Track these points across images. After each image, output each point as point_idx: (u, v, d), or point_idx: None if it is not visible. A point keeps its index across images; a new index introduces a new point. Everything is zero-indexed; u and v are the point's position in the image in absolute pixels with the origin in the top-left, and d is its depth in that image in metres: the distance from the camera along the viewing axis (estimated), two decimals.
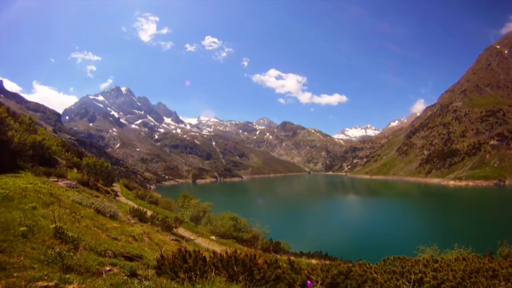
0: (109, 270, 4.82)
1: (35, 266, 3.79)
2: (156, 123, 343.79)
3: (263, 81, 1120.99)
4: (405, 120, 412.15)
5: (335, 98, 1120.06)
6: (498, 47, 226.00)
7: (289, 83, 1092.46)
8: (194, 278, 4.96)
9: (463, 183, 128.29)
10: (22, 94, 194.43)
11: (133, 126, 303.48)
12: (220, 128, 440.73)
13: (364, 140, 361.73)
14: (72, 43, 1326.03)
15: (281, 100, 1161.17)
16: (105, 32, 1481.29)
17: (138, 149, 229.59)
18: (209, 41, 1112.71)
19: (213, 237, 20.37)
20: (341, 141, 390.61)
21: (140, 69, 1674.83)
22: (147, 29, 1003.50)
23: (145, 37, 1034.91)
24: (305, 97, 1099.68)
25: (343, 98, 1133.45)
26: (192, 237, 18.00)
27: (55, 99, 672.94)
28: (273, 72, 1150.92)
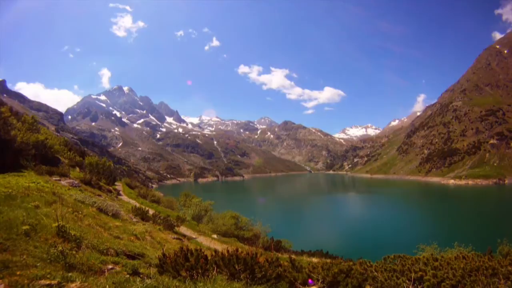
0: (111, 269, 4.84)
1: (38, 264, 3.81)
2: (158, 123, 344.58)
3: (268, 81, 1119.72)
4: (405, 120, 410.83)
5: (327, 94, 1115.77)
6: (497, 46, 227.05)
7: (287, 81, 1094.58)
8: (196, 277, 4.96)
9: (463, 182, 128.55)
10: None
11: (135, 125, 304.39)
12: (221, 128, 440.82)
13: (365, 139, 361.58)
14: (49, 37, 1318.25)
15: (268, 98, 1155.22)
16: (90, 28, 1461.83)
17: (140, 148, 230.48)
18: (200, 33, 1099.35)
19: (215, 236, 20.42)
20: (342, 140, 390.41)
21: (142, 69, 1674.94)
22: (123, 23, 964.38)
23: (120, 32, 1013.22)
24: (300, 94, 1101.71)
25: (340, 93, 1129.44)
26: (193, 236, 18.06)
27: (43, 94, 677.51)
28: (279, 72, 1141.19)
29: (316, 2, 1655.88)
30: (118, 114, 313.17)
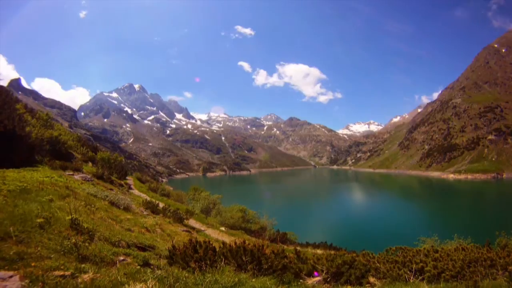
0: (123, 260, 4.97)
1: (52, 256, 3.93)
2: (168, 119, 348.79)
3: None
4: (407, 116, 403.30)
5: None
6: (495, 45, 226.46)
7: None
8: (204, 268, 5.04)
9: (462, 176, 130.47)
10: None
11: (145, 121, 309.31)
12: (229, 124, 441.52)
13: (368, 135, 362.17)
14: None
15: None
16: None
17: (150, 144, 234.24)
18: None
19: (223, 228, 20.69)
20: (345, 136, 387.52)
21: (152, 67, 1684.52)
22: None
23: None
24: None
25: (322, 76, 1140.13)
26: (202, 228, 18.35)
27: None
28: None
29: (324, 2, 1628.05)
30: (129, 111, 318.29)
